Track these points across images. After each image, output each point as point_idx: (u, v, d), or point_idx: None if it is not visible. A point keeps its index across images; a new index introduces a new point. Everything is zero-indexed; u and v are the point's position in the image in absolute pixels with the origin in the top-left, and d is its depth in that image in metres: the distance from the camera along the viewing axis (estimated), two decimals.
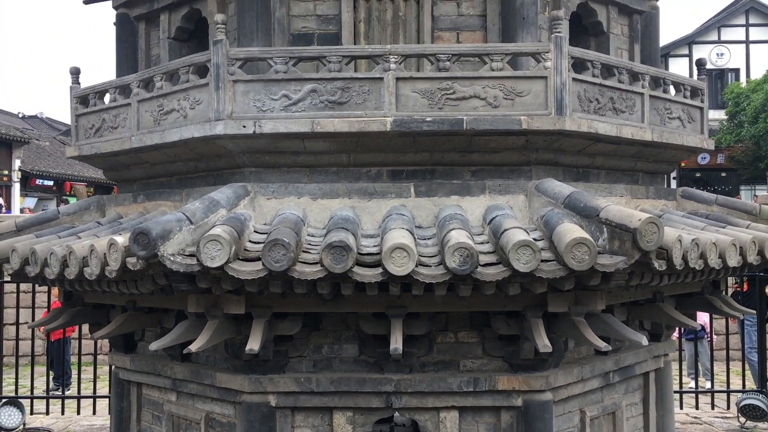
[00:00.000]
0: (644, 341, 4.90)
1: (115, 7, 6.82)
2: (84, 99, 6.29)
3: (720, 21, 38.20)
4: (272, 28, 5.57)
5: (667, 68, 36.33)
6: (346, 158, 5.19)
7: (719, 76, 37.36)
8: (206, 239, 4.19)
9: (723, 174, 36.53)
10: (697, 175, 36.96)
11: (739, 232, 5.44)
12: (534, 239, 4.48)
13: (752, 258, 5.26)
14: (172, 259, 4.24)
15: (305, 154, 5.17)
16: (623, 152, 5.65)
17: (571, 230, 4.35)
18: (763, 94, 27.96)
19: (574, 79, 5.02)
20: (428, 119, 4.90)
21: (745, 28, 37.58)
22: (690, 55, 37.09)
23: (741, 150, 30.17)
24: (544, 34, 5.60)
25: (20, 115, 52.72)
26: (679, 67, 36.66)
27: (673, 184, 35.57)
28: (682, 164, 34.20)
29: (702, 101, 6.23)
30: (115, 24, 6.88)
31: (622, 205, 5.68)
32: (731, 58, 37.41)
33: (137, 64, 6.73)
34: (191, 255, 4.28)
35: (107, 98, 6.12)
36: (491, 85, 4.94)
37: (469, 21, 5.62)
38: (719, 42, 37.57)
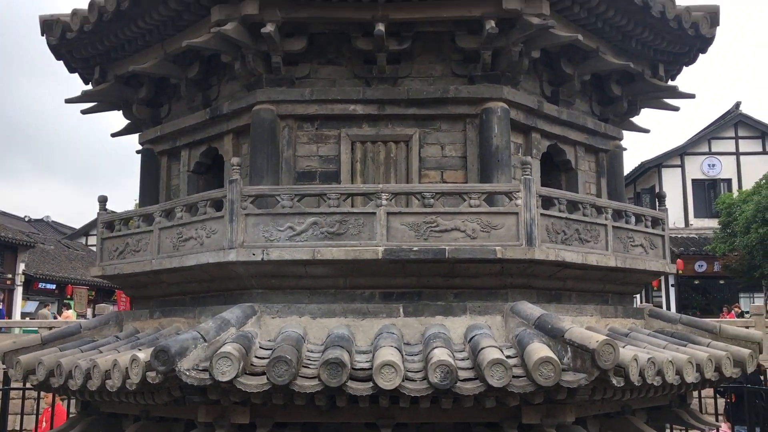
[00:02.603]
0: None
1: (141, 143, 7.71)
2: (110, 224, 7.03)
3: (710, 133, 39.55)
4: (280, 167, 6.38)
5: (660, 179, 37.63)
6: (343, 282, 5.85)
7: (712, 186, 38.37)
8: (218, 356, 4.80)
9: (721, 282, 36.89)
10: (696, 282, 37.34)
11: (697, 350, 6.00)
12: (508, 356, 5.08)
13: (710, 374, 5.81)
14: (187, 373, 4.83)
15: (307, 278, 5.83)
16: (591, 276, 6.31)
17: (539, 350, 4.94)
18: (754, 205, 28.82)
19: (542, 214, 5.75)
20: (415, 249, 5.60)
21: (734, 140, 38.88)
22: (682, 166, 38.29)
23: (736, 259, 30.76)
24: (518, 172, 6.38)
25: (27, 219, 53.91)
26: (671, 178, 37.87)
27: (672, 291, 35.95)
28: (680, 271, 34.74)
29: (663, 230, 6.94)
30: (140, 157, 7.73)
31: (592, 324, 6.32)
32: (723, 168, 38.50)
33: (158, 193, 7.53)
34: (204, 370, 4.87)
35: (130, 224, 6.86)
36: (470, 220, 5.66)
37: (451, 162, 6.43)
38: (710, 153, 38.78)
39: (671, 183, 38.72)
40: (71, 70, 7.68)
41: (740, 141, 38.94)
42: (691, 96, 7.40)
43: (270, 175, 6.32)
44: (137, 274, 6.64)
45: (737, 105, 39.77)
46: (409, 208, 5.88)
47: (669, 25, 6.66)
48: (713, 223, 34.98)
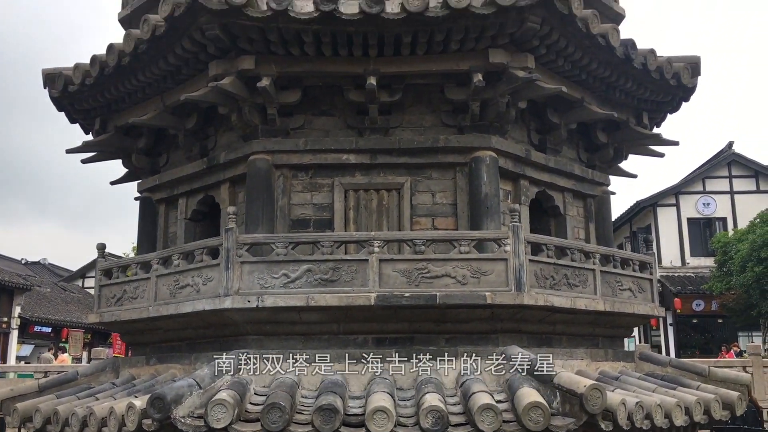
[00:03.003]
0: None
1: (140, 192, 7.88)
2: (108, 272, 7.15)
3: (704, 173, 39.81)
4: (275, 215, 6.54)
5: (656, 218, 37.85)
6: (337, 327, 5.96)
7: (707, 225, 38.51)
8: (213, 403, 4.89)
9: (720, 320, 36.83)
10: (694, 321, 37.25)
11: (686, 393, 6.09)
12: (498, 401, 5.17)
13: (698, 417, 5.89)
14: (182, 420, 4.91)
15: (301, 324, 5.94)
16: (580, 320, 6.42)
17: (528, 394, 5.04)
18: (749, 244, 28.96)
19: (530, 260, 5.89)
20: (406, 295, 5.72)
21: (728, 179, 39.17)
22: (677, 205, 38.45)
23: (732, 298, 30.79)
24: (508, 218, 6.54)
25: (23, 261, 53.86)
26: (667, 216, 38.02)
27: (670, 331, 35.87)
28: (678, 310, 34.71)
29: (651, 273, 7.08)
30: (139, 205, 7.90)
31: (583, 368, 6.41)
32: (717, 207, 38.66)
33: (156, 240, 7.68)
34: (200, 417, 4.95)
35: (128, 272, 6.99)
36: (460, 266, 5.80)
37: (442, 209, 6.59)
38: (705, 192, 38.99)
39: (667, 222, 38.86)
40: (72, 121, 7.88)
41: (734, 180, 39.21)
42: (675, 143, 7.62)
43: (265, 223, 6.47)
44: (134, 321, 6.74)
45: (730, 144, 40.16)
46: (400, 255, 6.02)
47: (651, 76, 6.90)
48: (710, 261, 35.01)
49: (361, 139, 6.63)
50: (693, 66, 7.22)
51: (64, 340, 42.21)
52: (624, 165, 8.37)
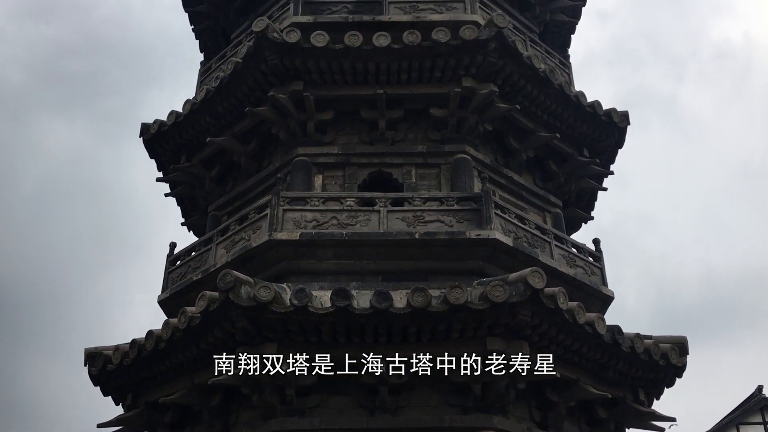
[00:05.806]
0: None
1: None
2: None
3: (737, 418, 38.16)
4: None
5: None
6: None
7: None
8: None
9: None
10: None
11: None
12: None
13: None
14: None
15: None
16: None
17: None
18: None
19: None
20: None
21: (762, 425, 37.62)
22: None
23: None
24: None
25: None
26: None
27: None
28: None
29: None
30: None
31: None
32: None
33: None
34: None
35: None
36: None
37: None
38: None
39: None
40: (105, 394, 8.47)
41: None
42: (672, 419, 7.94)
43: None
44: None
45: (760, 389, 38.99)
46: None
47: (639, 357, 7.45)
48: None
49: (372, 419, 7.07)
50: (680, 346, 7.78)
51: None
52: None
